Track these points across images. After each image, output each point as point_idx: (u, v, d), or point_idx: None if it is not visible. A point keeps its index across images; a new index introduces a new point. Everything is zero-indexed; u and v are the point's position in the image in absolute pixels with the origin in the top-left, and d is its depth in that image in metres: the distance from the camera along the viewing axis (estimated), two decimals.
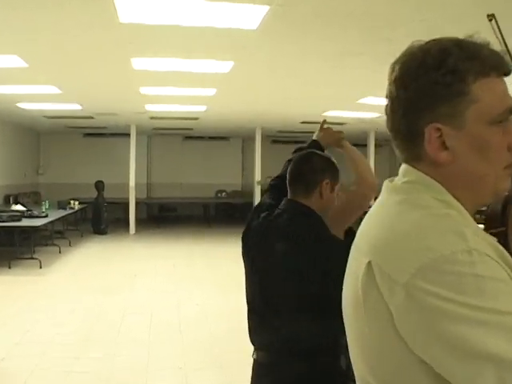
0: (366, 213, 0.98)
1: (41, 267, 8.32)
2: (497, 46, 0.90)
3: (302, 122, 12.01)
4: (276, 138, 16.18)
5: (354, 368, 0.99)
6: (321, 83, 7.26)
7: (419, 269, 0.75)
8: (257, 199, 13.53)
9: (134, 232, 13.19)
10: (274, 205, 2.05)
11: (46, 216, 9.53)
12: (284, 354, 1.86)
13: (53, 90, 7.80)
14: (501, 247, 0.82)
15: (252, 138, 14.46)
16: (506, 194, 1.02)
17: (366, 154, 12.96)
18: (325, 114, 10.30)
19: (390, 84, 0.90)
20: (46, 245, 10.30)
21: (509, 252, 0.83)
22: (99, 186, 13.13)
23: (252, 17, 4.07)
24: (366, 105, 8.95)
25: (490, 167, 0.85)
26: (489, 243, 0.80)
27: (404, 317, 0.78)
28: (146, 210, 15.69)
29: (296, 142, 16.98)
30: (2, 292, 6.74)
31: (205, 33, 4.69)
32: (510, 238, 1.43)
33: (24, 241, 9.20)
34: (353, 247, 0.96)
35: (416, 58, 0.86)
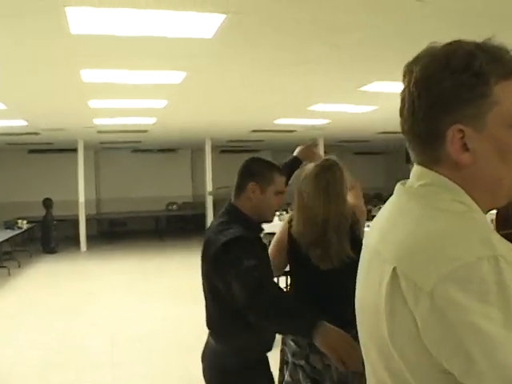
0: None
1: None
2: None
3: (253, 131, 12.04)
4: (225, 148, 16.16)
5: (370, 371, 0.98)
6: (273, 91, 7.30)
7: (444, 277, 0.75)
8: (209, 210, 13.46)
9: (85, 249, 12.85)
10: None
11: None
12: None
13: None
14: None
15: (201, 149, 14.41)
16: None
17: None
18: (276, 121, 10.37)
19: (407, 86, 0.89)
20: None
21: None
22: (47, 203, 12.72)
23: (208, 26, 4.04)
24: (316, 111, 9.06)
25: (508, 170, 0.86)
26: (510, 249, 0.79)
27: (429, 326, 0.77)
28: (96, 226, 15.29)
29: (246, 152, 16.95)
30: None
31: (157, 43, 4.63)
32: None
33: None
34: (371, 252, 0.95)
35: (439, 60, 0.86)
